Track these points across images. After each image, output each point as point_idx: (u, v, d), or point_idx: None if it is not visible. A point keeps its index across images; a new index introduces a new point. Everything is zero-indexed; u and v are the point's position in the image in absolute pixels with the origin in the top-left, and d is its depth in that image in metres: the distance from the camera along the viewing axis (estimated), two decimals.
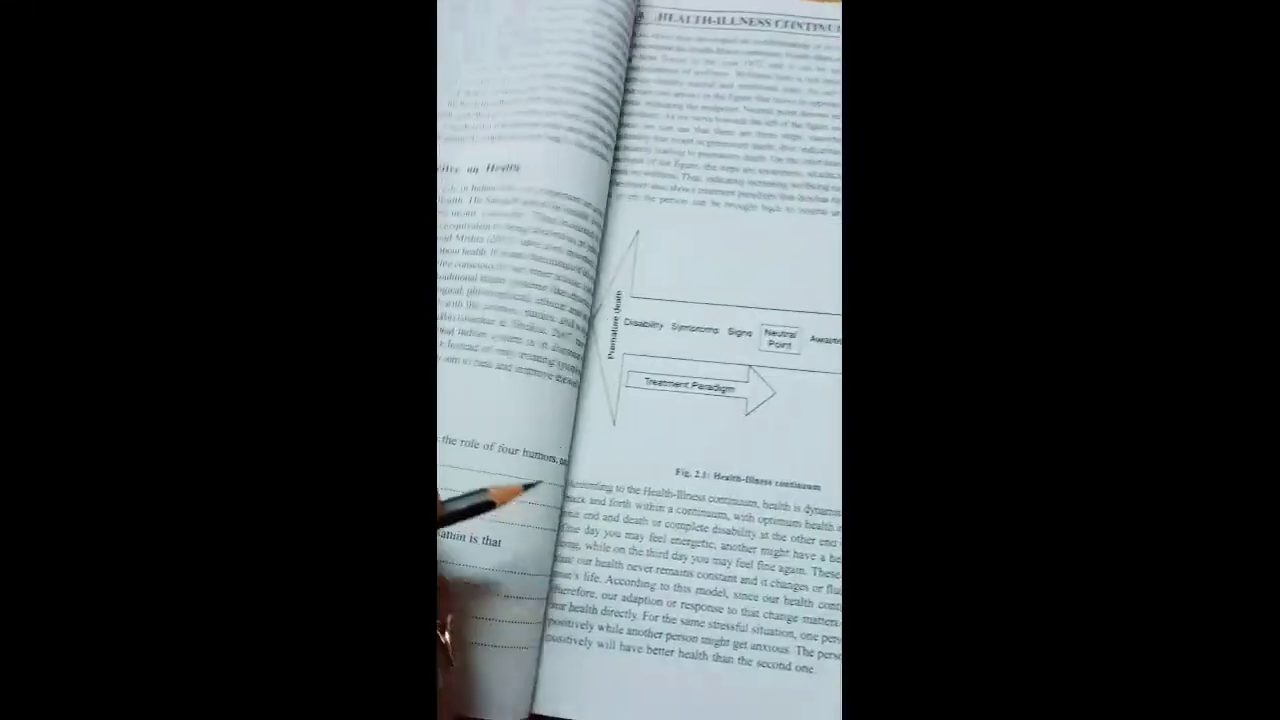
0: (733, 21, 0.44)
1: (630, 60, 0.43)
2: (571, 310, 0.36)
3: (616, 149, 0.41)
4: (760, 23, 0.44)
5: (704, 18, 0.44)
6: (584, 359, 0.37)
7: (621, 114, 0.42)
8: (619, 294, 0.39)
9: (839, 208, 0.40)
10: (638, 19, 0.44)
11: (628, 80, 0.43)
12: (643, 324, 0.39)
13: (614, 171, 0.41)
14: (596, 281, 0.38)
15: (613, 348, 0.38)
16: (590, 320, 0.38)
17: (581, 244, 0.37)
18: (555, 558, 0.35)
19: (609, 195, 0.40)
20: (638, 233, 0.40)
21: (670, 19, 0.44)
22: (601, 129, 0.39)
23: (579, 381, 0.37)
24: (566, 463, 0.36)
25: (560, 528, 0.36)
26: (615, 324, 0.39)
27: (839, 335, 0.38)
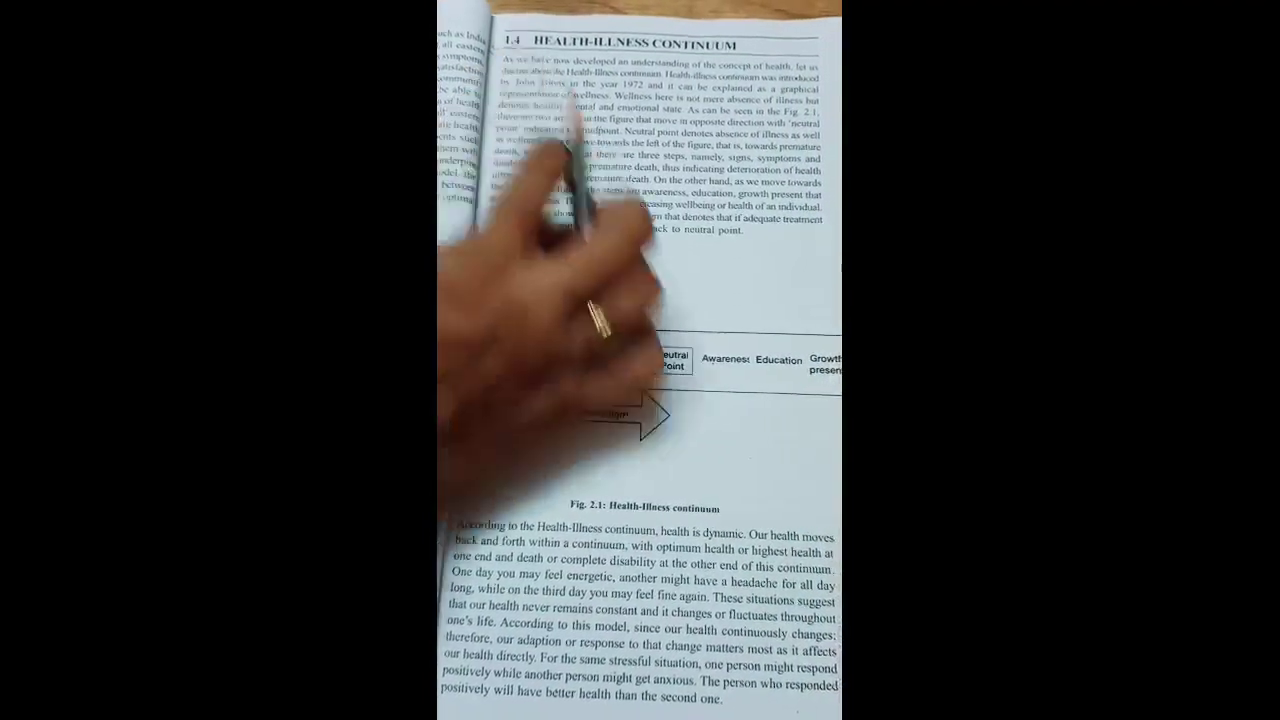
0: (610, 42, 0.43)
1: (508, 85, 0.42)
2: None
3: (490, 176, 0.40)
4: (638, 42, 0.43)
5: (580, 39, 0.44)
6: None
7: (492, 139, 0.41)
8: None
9: (725, 225, 0.40)
10: (514, 42, 0.43)
11: (504, 105, 0.42)
12: None
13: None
14: None
15: None
16: None
17: None
18: (447, 603, 0.34)
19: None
20: None
21: (546, 42, 0.43)
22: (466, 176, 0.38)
23: None
24: None
25: (450, 571, 0.34)
26: None
27: (731, 353, 0.37)
